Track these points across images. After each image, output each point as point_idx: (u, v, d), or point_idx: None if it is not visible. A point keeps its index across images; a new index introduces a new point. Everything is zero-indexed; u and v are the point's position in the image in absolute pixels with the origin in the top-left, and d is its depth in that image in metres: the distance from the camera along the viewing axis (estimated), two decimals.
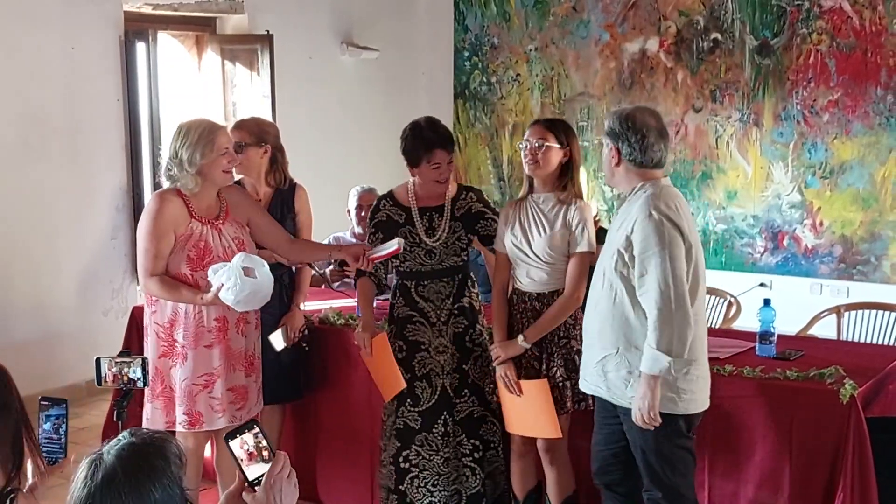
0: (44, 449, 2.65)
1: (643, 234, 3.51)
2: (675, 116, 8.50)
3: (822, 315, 5.53)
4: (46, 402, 2.76)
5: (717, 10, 8.25)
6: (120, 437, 2.00)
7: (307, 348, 4.83)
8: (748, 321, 5.04)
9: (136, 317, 5.10)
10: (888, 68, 7.64)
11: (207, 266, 4.12)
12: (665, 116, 8.29)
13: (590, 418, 4.01)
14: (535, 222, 4.10)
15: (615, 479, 3.88)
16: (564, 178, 4.10)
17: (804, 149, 8.03)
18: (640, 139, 3.61)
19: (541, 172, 4.09)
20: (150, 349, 4.32)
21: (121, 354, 2.83)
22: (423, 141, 4.26)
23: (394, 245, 4.17)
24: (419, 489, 4.37)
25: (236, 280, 3.99)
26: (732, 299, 5.75)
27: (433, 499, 4.37)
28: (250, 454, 2.18)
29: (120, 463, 1.93)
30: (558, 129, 4.11)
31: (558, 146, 4.06)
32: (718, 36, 8.28)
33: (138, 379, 2.78)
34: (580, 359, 3.97)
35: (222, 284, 4.02)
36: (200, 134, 4.15)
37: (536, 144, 4.05)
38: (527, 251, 4.10)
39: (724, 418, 3.99)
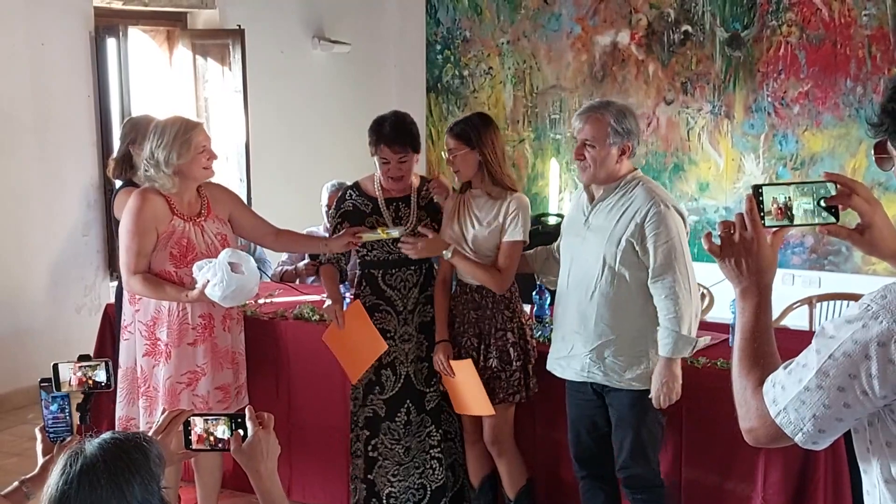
0: (50, 429, 2.62)
1: (659, 226, 3.68)
2: (646, 109, 8.52)
3: (795, 306, 5.56)
4: (47, 384, 2.71)
5: (688, 2, 8.28)
6: (103, 434, 2.01)
7: None
8: (721, 312, 5.06)
9: (110, 314, 5.07)
10: (857, 60, 7.69)
11: (191, 263, 4.10)
12: (637, 109, 8.48)
13: (537, 409, 4.07)
14: (469, 217, 4.19)
15: (601, 467, 3.96)
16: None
17: (775, 140, 8.08)
18: (638, 132, 3.83)
19: (462, 177, 4.20)
20: (135, 348, 4.29)
21: (80, 359, 2.80)
22: (375, 134, 4.29)
23: (395, 233, 4.21)
24: (382, 478, 4.42)
25: (223, 276, 3.97)
26: (705, 290, 5.76)
27: (393, 489, 4.42)
28: (199, 437, 2.38)
29: (101, 453, 1.93)
30: (467, 134, 4.13)
31: (468, 149, 4.11)
32: (689, 28, 8.31)
33: (103, 382, 2.75)
34: (515, 351, 4.12)
35: (208, 281, 4.00)
36: (176, 134, 4.10)
37: (449, 156, 4.16)
38: (462, 244, 4.19)
39: (697, 410, 4.01)
